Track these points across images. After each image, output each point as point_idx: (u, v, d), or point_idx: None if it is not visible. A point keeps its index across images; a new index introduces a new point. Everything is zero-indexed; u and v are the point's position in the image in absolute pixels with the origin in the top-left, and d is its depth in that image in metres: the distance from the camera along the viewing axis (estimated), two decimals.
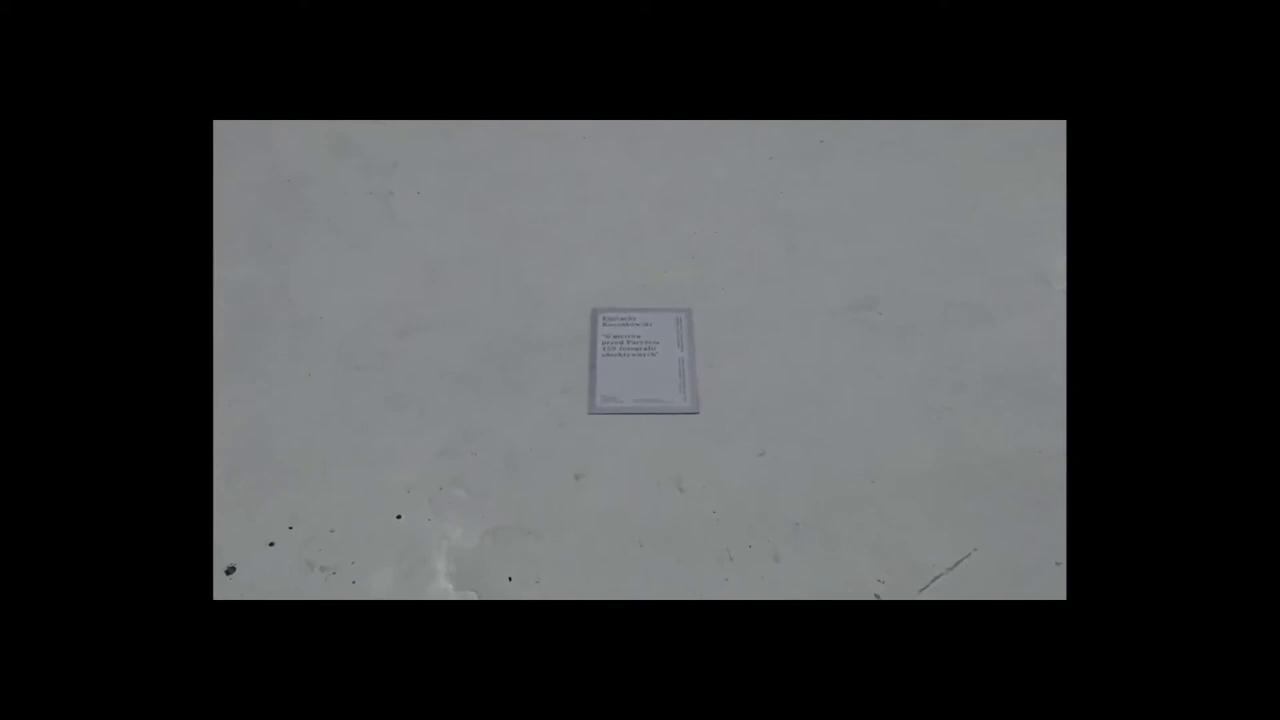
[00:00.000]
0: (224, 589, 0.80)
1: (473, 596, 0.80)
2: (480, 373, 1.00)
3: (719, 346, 1.03)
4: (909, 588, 0.81)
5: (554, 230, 1.15)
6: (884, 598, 0.78)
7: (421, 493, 0.90)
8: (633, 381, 0.99)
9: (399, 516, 0.88)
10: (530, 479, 0.91)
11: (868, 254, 1.13)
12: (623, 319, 1.05)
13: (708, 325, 1.05)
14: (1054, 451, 0.90)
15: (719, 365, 1.01)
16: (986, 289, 1.08)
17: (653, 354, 1.02)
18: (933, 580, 0.81)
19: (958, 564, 0.84)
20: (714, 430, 0.95)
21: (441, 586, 0.82)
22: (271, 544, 0.85)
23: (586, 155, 1.23)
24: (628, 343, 1.03)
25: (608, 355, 1.02)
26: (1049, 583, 0.80)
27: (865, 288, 1.09)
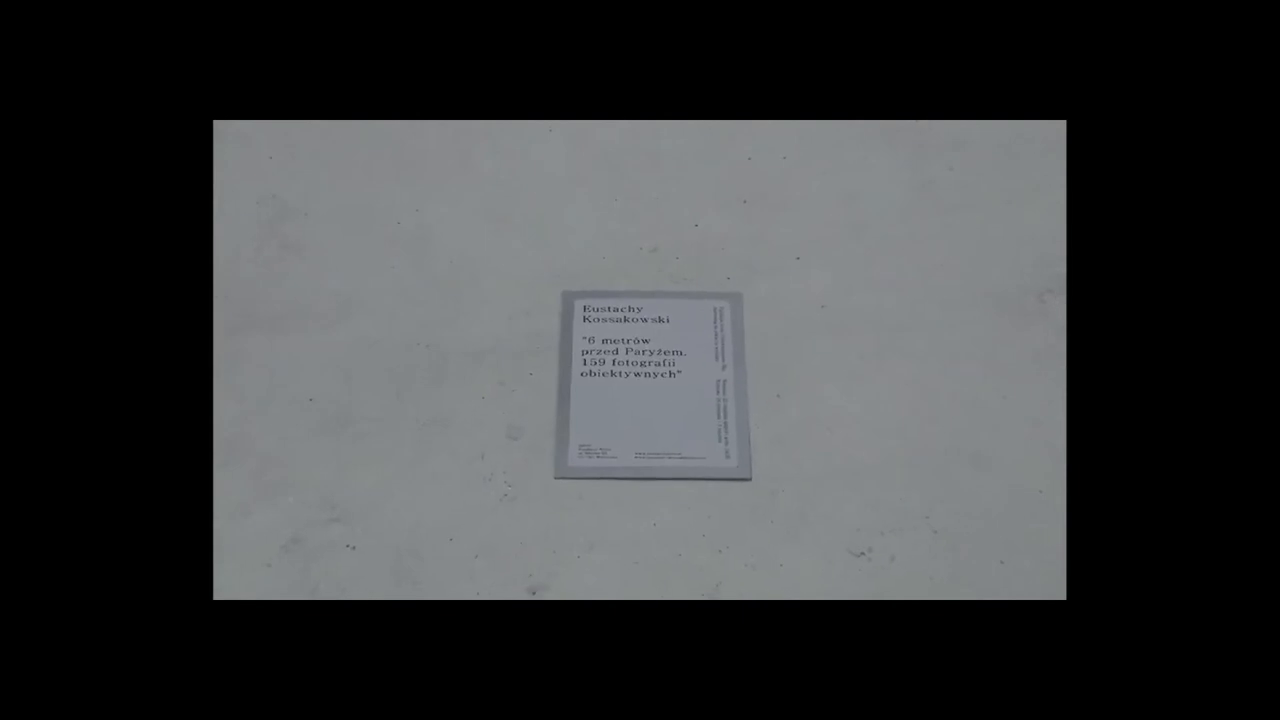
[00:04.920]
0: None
1: None
2: (365, 402, 0.85)
3: (788, 361, 0.87)
4: None
5: (497, 157, 0.99)
6: None
7: None
8: (634, 420, 0.82)
9: None
10: (450, 591, 0.80)
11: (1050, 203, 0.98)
12: (617, 310, 0.89)
13: (767, 322, 0.89)
14: None
15: (787, 395, 0.85)
16: None
17: (671, 372, 0.85)
18: None
19: None
20: (777, 509, 0.81)
21: None
22: None
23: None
24: (627, 351, 0.86)
25: (590, 374, 0.85)
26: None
27: (1050, 261, 0.92)
